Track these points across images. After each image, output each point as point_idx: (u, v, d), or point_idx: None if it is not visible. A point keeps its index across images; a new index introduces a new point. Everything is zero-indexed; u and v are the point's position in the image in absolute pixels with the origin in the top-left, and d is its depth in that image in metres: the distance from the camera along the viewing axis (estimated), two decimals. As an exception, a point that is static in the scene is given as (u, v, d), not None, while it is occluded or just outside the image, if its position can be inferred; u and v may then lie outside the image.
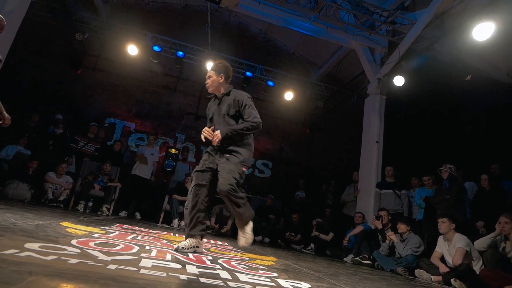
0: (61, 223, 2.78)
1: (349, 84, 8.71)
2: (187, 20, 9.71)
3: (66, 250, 1.59)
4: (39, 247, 1.53)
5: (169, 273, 1.49)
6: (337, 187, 7.33)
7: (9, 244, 1.47)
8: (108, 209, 5.67)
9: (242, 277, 1.72)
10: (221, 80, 2.65)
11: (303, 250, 5.79)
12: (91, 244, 1.92)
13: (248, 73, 8.63)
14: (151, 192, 6.79)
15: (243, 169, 2.52)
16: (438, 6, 5.23)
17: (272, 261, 2.91)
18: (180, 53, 8.22)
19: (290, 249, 5.77)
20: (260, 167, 9.42)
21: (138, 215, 6.37)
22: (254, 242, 5.83)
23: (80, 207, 5.40)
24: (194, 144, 9.20)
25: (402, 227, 4.31)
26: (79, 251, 1.63)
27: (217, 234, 5.93)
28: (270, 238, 6.34)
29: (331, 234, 5.62)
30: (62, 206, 5.28)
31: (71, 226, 2.65)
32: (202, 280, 1.47)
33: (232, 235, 6.17)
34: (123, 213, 6.14)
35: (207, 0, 5.82)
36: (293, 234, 6.23)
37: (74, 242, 1.88)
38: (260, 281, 1.72)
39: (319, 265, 3.40)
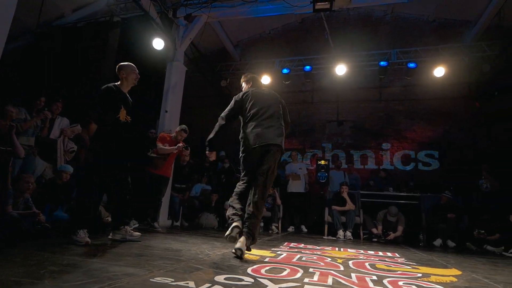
0: (240, 249, 3.30)
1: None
2: (306, 34, 9.95)
3: (243, 280, 1.90)
4: (224, 279, 1.89)
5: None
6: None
7: (204, 278, 1.89)
8: (277, 227, 6.28)
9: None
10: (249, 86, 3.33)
11: (503, 253, 4.63)
12: (263, 271, 2.21)
13: (382, 63, 7.95)
14: (309, 204, 7.13)
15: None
16: None
17: (453, 275, 2.49)
18: (307, 67, 8.47)
19: (485, 253, 4.73)
20: (423, 159, 8.30)
21: (304, 228, 6.78)
22: (434, 248, 5.16)
23: (255, 228, 6.23)
24: (343, 150, 9.09)
25: None
26: (252, 280, 1.91)
27: (387, 242, 5.55)
28: (455, 241, 5.41)
29: (544, 232, 4.27)
30: (241, 228, 6.25)
31: (248, 252, 3.11)
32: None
33: (405, 243, 5.64)
34: (290, 229, 6.66)
35: (317, 12, 5.84)
36: (482, 231, 5.09)
37: (249, 270, 2.20)
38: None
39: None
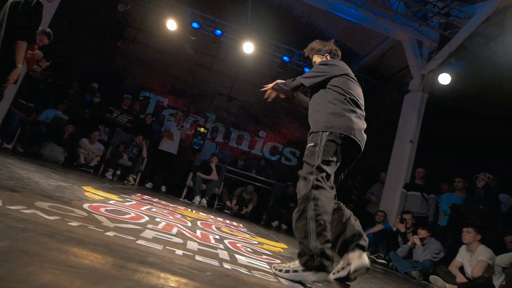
0: (83, 187, 2.90)
1: (391, 78, 8.22)
2: (228, -1, 9.58)
3: (73, 212, 1.63)
4: (49, 206, 1.58)
5: (166, 247, 1.47)
6: (363, 183, 7.08)
7: (20, 200, 1.52)
8: (135, 179, 5.90)
9: (241, 260, 1.68)
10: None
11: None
12: (102, 210, 1.97)
13: (285, 58, 8.42)
14: (177, 167, 6.99)
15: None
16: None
17: (281, 248, 2.86)
18: (219, 31, 8.15)
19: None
20: (287, 154, 9.30)
21: (163, 188, 6.59)
22: (271, 227, 5.90)
23: (109, 174, 5.67)
24: (224, 125, 9.26)
25: (422, 233, 4.16)
26: (86, 214, 1.67)
27: (236, 215, 5.98)
28: (289, 226, 6.30)
29: (349, 230, 5.48)
30: (92, 171, 5.57)
31: (91, 191, 2.76)
32: (198, 258, 1.44)
33: (250, 218, 6.20)
34: (148, 185, 6.36)
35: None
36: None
37: (86, 206, 1.93)
38: (258, 266, 1.66)
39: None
